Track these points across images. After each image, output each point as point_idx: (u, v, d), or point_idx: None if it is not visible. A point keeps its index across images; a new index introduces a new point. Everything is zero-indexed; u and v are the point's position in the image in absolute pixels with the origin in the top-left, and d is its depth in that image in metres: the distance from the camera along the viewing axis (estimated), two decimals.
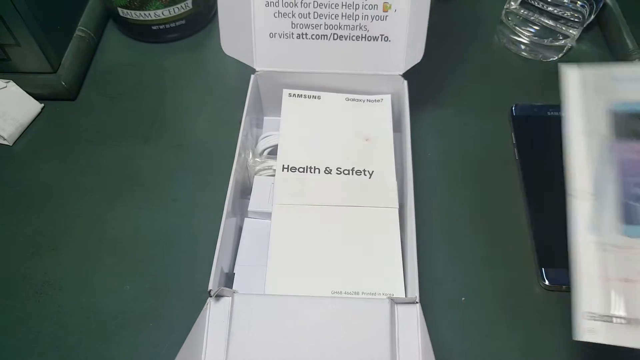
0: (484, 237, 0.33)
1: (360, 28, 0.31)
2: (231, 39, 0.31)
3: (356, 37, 0.31)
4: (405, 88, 0.32)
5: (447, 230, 0.33)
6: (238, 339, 0.23)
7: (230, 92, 0.40)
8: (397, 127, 0.33)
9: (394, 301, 0.24)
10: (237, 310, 0.23)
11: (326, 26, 0.31)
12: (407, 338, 0.23)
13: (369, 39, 0.31)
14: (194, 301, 0.30)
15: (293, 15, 0.31)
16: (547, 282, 0.30)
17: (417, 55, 0.31)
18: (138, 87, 0.41)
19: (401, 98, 0.33)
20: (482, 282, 0.31)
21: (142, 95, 0.40)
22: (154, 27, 0.41)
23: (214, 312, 0.24)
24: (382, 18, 0.31)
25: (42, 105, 0.39)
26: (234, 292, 0.24)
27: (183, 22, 0.42)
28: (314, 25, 0.31)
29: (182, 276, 0.32)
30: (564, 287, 0.30)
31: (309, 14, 0.31)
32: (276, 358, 0.22)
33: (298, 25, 0.31)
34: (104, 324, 0.30)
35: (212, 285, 0.24)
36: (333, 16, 0.31)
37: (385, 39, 0.31)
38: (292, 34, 0.31)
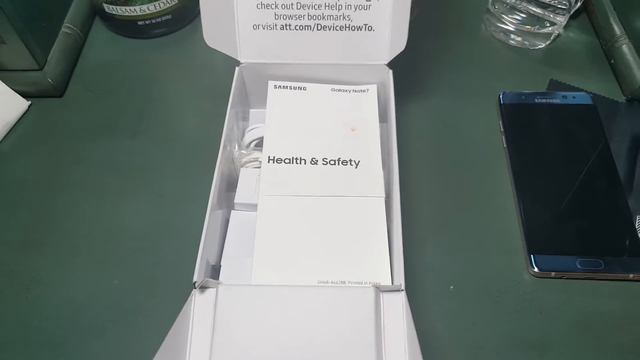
0: (472, 225, 0.33)
1: (343, 18, 0.31)
2: (214, 31, 0.31)
3: (340, 27, 0.31)
4: (390, 77, 0.32)
5: (435, 219, 0.33)
6: (223, 330, 0.23)
7: (218, 86, 0.40)
8: (383, 117, 0.33)
9: (379, 289, 0.24)
10: (221, 301, 0.23)
11: (309, 16, 0.31)
12: (393, 326, 0.23)
13: (353, 28, 0.31)
14: (182, 294, 0.30)
15: (276, 6, 0.31)
16: (536, 269, 0.30)
17: (400, 44, 0.31)
18: (125, 82, 0.41)
19: (387, 88, 0.32)
20: (471, 270, 0.31)
21: (129, 90, 0.40)
22: (140, 23, 0.41)
23: (198, 304, 0.24)
24: (365, 7, 0.31)
25: (29, 102, 0.39)
26: (219, 283, 0.24)
27: (169, 17, 0.42)
28: (297, 16, 0.31)
29: (171, 270, 0.32)
30: (552, 273, 0.30)
31: (292, 4, 0.30)
32: (262, 348, 0.22)
33: (281, 16, 0.31)
34: (93, 318, 0.30)
35: (197, 277, 0.24)
36: (316, 6, 0.31)
37: (369, 28, 0.31)
38: (276, 25, 0.31)
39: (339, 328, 0.23)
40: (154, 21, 0.41)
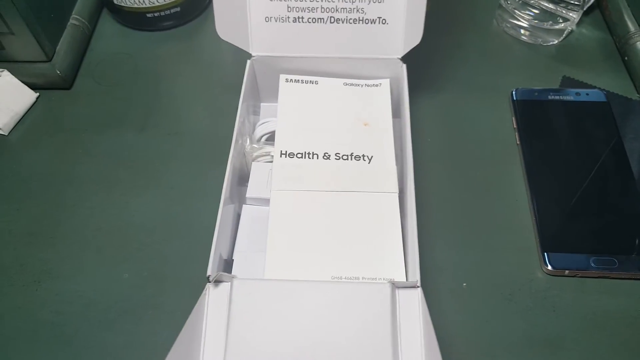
0: (485, 222, 0.33)
1: (357, 11, 0.30)
2: (226, 23, 0.31)
3: (353, 20, 0.31)
4: (404, 72, 0.32)
5: (447, 216, 0.33)
6: (238, 324, 0.22)
7: (226, 80, 0.40)
8: (396, 112, 0.33)
9: (395, 285, 0.24)
10: (236, 295, 0.23)
11: (322, 9, 0.30)
12: (409, 322, 0.23)
13: (367, 22, 0.31)
14: (192, 288, 0.30)
15: None
16: (549, 267, 0.30)
17: (415, 38, 0.31)
18: (133, 75, 0.40)
19: (400, 82, 0.32)
20: (483, 267, 0.31)
21: (138, 83, 0.40)
22: (149, 15, 0.41)
23: (212, 298, 0.23)
24: (379, 1, 0.30)
25: (37, 94, 0.39)
26: (233, 277, 0.23)
27: (178, 9, 0.41)
28: (310, 9, 0.30)
29: (181, 264, 0.31)
30: (566, 272, 0.30)
31: None
32: (276, 342, 0.22)
33: (294, 9, 0.31)
34: (103, 312, 0.30)
35: (210, 270, 0.24)
36: None
37: (383, 21, 0.31)
38: (288, 17, 0.31)
39: (355, 324, 0.22)
40: (162, 13, 0.41)
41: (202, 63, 0.41)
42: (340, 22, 0.31)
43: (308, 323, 0.22)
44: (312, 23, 0.31)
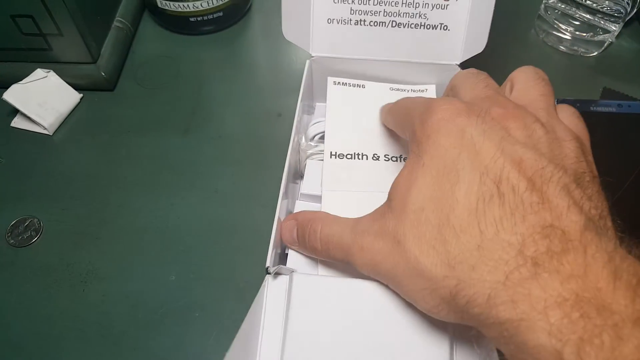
0: None
1: (419, 16, 0.31)
2: (292, 24, 0.31)
3: (415, 25, 0.31)
4: None
5: None
6: (297, 318, 0.22)
7: (267, 85, 0.40)
8: None
9: None
10: (295, 289, 0.23)
11: (385, 13, 0.31)
12: None
13: (428, 27, 0.31)
14: (238, 291, 0.30)
15: (352, 1, 0.31)
16: None
17: (479, 46, 0.31)
18: (175, 78, 0.41)
19: None
20: None
21: (180, 86, 0.40)
22: (192, 19, 0.41)
23: (271, 290, 0.23)
24: (442, 7, 0.30)
25: (81, 95, 0.39)
26: (292, 271, 0.24)
27: (221, 14, 0.42)
28: (373, 12, 0.31)
29: (226, 266, 0.31)
30: None
31: (369, 0, 0.30)
32: (336, 337, 0.22)
33: (357, 11, 0.31)
34: (150, 313, 0.30)
35: (269, 262, 0.24)
36: (393, 3, 0.30)
37: (445, 27, 0.31)
38: (350, 20, 0.31)
39: (416, 322, 0.22)
40: (205, 18, 0.41)
41: (242, 68, 0.42)
42: (402, 26, 0.31)
43: (368, 319, 0.22)
44: (373, 26, 0.31)
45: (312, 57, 0.32)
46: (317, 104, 0.35)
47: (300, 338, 0.22)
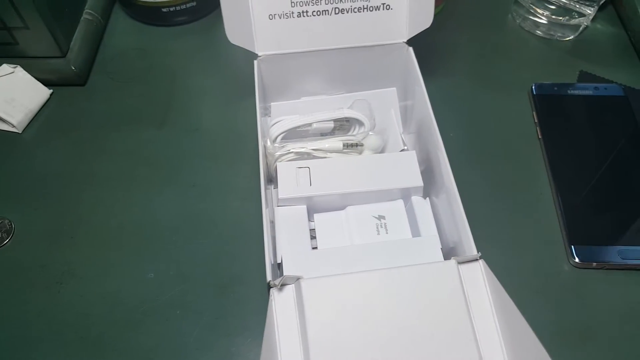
0: (509, 216, 0.33)
1: None
2: (234, 27, 0.30)
3: (358, 9, 0.31)
4: (411, 54, 0.32)
5: (471, 210, 0.33)
6: (314, 322, 0.22)
7: (242, 76, 0.39)
8: (409, 95, 0.32)
9: (457, 261, 0.24)
10: (306, 294, 0.22)
11: (327, 1, 0.30)
12: (476, 295, 0.23)
13: (371, 9, 0.31)
14: (220, 287, 0.30)
15: None
16: (577, 260, 0.30)
17: (424, 22, 0.31)
18: (148, 71, 0.40)
19: (408, 66, 0.32)
20: (510, 261, 0.31)
21: (153, 79, 0.39)
22: (164, 10, 0.40)
23: (278, 303, 0.23)
24: None
25: (51, 91, 0.38)
26: (299, 278, 0.23)
27: (194, 4, 0.41)
28: (314, 1, 0.30)
29: (206, 262, 0.31)
30: (594, 264, 0.30)
31: None
32: (356, 331, 0.22)
33: (298, 3, 0.30)
34: (129, 312, 0.29)
35: (269, 277, 0.23)
36: None
37: (387, 7, 0.31)
38: (293, 13, 0.30)
39: (428, 304, 0.22)
40: (178, 8, 0.40)
41: (217, 59, 0.41)
42: (345, 12, 0.31)
43: (383, 311, 0.22)
44: (316, 16, 0.31)
45: (260, 56, 0.32)
46: (272, 103, 0.34)
47: (322, 341, 0.22)
